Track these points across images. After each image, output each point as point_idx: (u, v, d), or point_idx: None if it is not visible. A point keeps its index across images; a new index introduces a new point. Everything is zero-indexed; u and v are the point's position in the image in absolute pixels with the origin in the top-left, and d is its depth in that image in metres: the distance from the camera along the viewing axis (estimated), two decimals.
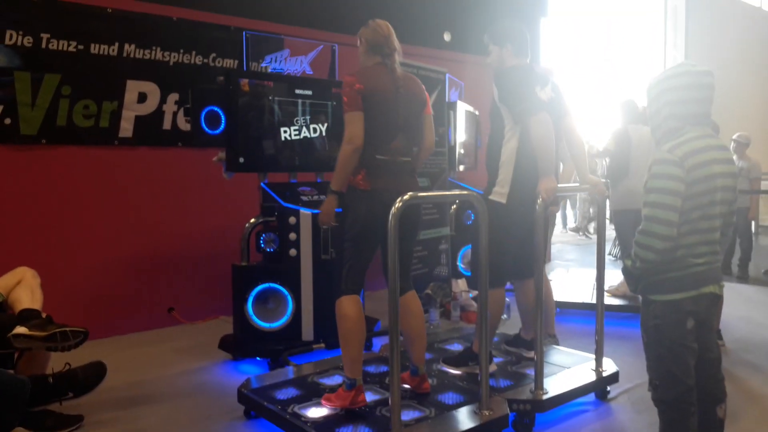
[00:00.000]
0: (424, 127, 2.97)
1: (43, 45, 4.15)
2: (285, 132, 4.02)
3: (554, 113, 3.06)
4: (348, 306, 2.74)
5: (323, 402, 2.81)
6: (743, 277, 6.78)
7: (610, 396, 3.34)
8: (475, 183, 4.64)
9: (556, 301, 4.10)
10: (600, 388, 3.28)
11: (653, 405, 2.32)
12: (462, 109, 5.34)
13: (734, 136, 6.69)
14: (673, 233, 2.14)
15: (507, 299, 4.90)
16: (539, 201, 2.91)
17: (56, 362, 2.98)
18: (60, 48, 4.22)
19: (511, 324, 4.70)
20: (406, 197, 2.38)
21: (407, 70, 4.49)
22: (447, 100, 5.16)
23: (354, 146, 2.67)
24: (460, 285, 5.00)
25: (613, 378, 3.30)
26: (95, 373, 2.97)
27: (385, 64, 2.83)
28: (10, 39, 4.03)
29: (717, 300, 2.30)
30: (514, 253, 3.18)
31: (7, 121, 4.06)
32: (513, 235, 3.13)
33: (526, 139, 3.01)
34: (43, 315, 2.84)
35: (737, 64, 12.99)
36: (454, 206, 5.07)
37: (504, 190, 3.07)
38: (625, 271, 2.36)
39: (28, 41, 4.09)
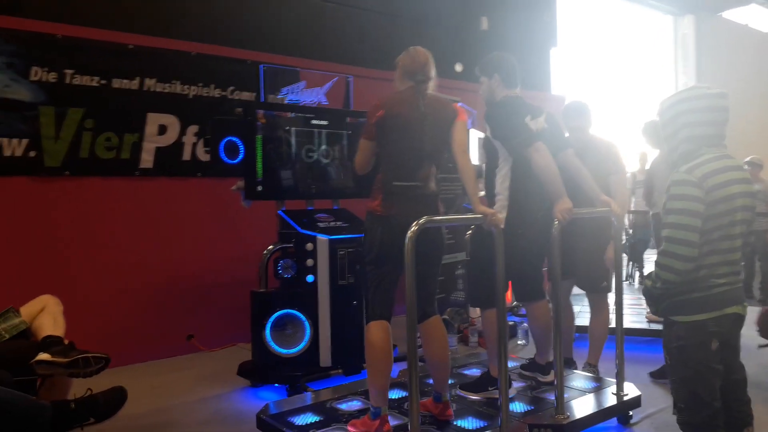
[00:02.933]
0: (454, 131, 2.87)
1: (67, 80, 4.29)
2: (302, 161, 4.09)
3: (547, 142, 3.06)
4: (374, 333, 2.71)
5: (349, 427, 2.80)
6: (765, 300, 6.67)
7: (632, 421, 3.28)
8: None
9: (577, 326, 4.07)
10: (622, 412, 3.23)
11: (678, 430, 2.28)
12: (475, 136, 5.40)
13: (747, 159, 6.67)
14: (694, 254, 2.13)
15: (525, 324, 4.89)
16: (555, 223, 2.94)
17: (77, 389, 3.00)
18: (83, 83, 4.35)
19: (530, 348, 4.66)
20: (421, 221, 2.42)
21: None
22: None
23: (357, 172, 2.97)
24: (478, 310, 4.97)
25: (636, 402, 3.25)
26: (116, 398, 2.97)
27: (416, 89, 2.83)
28: (35, 75, 4.17)
29: (740, 321, 2.28)
30: (513, 275, 3.16)
31: (32, 153, 4.17)
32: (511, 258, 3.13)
33: (518, 168, 3.07)
34: (66, 342, 2.87)
35: (747, 89, 12.99)
36: (470, 231, 5.07)
37: (501, 216, 3.06)
38: (646, 293, 2.35)
39: (52, 77, 4.23)
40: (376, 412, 2.70)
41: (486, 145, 3.23)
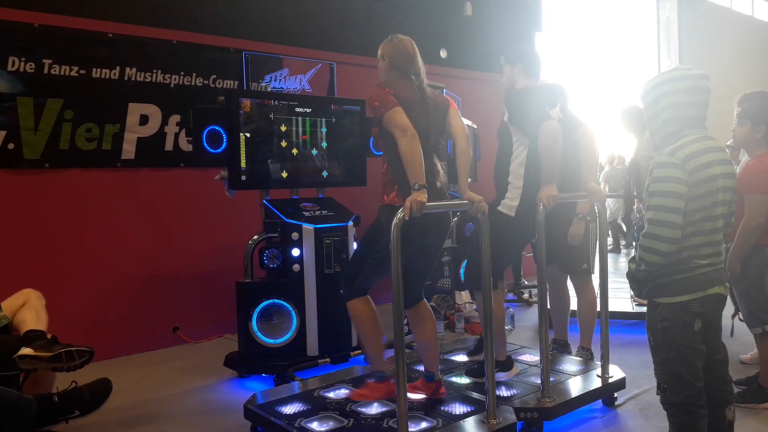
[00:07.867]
0: (451, 118, 2.86)
1: (45, 70, 4.21)
2: (286, 149, 4.06)
3: (566, 129, 3.13)
4: (360, 306, 2.83)
5: (355, 397, 2.92)
6: None
7: (617, 403, 3.33)
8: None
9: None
10: (607, 394, 3.27)
11: (662, 410, 2.32)
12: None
13: (727, 143, 6.73)
14: (677, 235, 2.15)
15: (511, 310, 4.92)
16: (540, 208, 2.95)
17: (62, 382, 2.98)
18: (62, 73, 4.27)
19: (516, 333, 4.69)
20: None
21: None
22: None
23: (411, 133, 2.56)
24: (464, 297, 5.00)
25: (620, 384, 3.29)
26: (101, 390, 2.95)
27: (410, 80, 2.78)
28: (12, 65, 4.08)
29: (723, 301, 2.30)
30: (509, 260, 3.32)
31: (11, 146, 4.10)
32: (514, 245, 3.24)
33: (534, 154, 3.06)
34: (48, 336, 2.84)
35: (730, 72, 13.08)
36: (455, 219, 5.09)
37: (513, 204, 3.11)
38: (630, 275, 2.36)
39: (30, 67, 4.15)
40: (380, 375, 2.75)
41: (501, 132, 3.23)
